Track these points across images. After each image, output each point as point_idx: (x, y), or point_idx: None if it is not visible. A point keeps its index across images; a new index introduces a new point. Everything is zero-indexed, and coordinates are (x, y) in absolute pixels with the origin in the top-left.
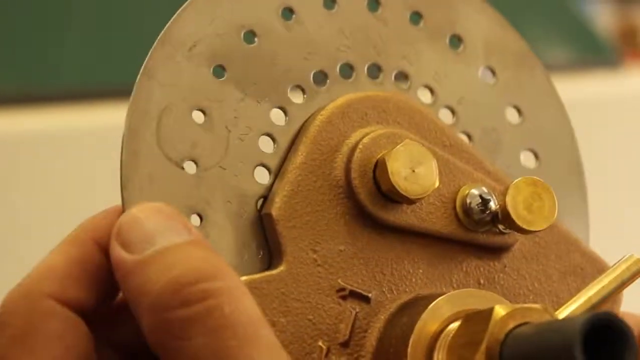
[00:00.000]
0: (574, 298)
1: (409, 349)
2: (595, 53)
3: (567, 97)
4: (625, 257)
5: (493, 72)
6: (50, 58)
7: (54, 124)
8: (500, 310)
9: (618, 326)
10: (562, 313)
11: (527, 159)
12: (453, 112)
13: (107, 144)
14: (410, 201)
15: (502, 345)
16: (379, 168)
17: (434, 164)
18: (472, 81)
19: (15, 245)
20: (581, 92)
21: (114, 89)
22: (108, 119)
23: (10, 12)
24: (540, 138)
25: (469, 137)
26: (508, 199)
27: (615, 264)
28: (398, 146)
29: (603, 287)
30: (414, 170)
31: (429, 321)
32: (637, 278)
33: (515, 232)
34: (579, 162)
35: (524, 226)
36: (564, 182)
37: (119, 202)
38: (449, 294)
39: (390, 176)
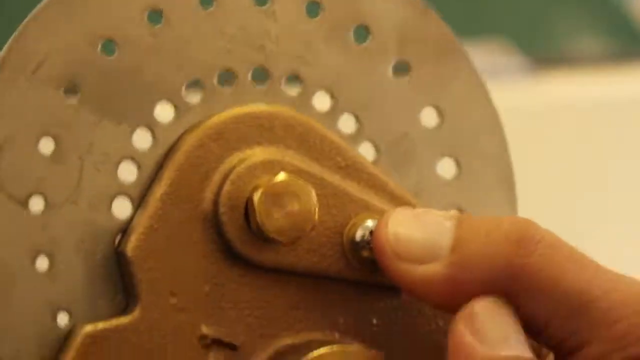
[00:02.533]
0: None
1: None
2: (632, 43)
3: (604, 92)
4: None
5: (408, 67)
6: None
7: None
8: None
9: None
10: None
11: (445, 168)
12: (357, 118)
13: None
14: (283, 244)
15: None
16: (249, 205)
17: (311, 199)
18: (380, 80)
19: None
20: (617, 86)
21: None
22: None
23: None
24: (462, 143)
25: (376, 147)
26: None
27: None
28: (270, 181)
29: None
30: (287, 208)
31: None
32: None
33: None
34: (509, 174)
35: None
36: (489, 195)
37: None
38: (328, 348)
39: (259, 218)
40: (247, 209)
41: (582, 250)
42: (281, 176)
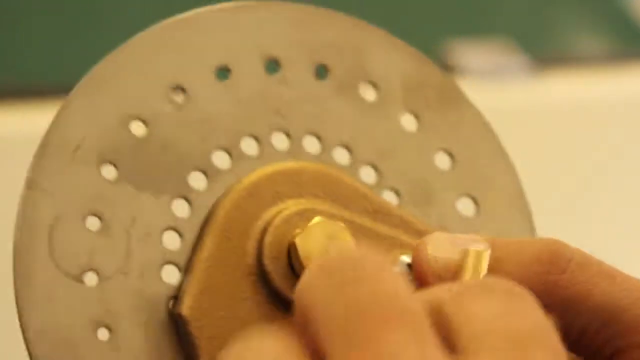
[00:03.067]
0: None
1: None
2: (635, 43)
3: (607, 92)
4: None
5: (416, 117)
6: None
7: None
8: None
9: None
10: None
11: (464, 206)
12: (375, 168)
13: None
14: None
15: None
16: (291, 251)
17: (348, 238)
18: (392, 131)
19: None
20: (621, 86)
21: None
22: None
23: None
24: (476, 181)
25: (397, 192)
26: None
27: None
28: (308, 225)
29: None
30: (328, 249)
31: None
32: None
33: None
34: (525, 204)
35: None
36: (510, 227)
37: None
38: None
39: (304, 261)
40: (290, 255)
41: (587, 248)
42: (317, 219)
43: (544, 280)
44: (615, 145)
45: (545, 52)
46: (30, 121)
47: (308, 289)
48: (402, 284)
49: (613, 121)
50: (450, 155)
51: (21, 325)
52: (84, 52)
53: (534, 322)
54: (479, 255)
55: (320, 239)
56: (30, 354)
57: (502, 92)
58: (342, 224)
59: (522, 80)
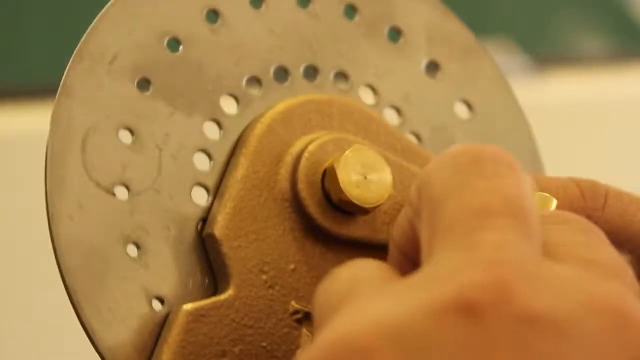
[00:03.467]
0: None
1: None
2: (635, 43)
3: (607, 91)
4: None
5: (438, 66)
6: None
7: None
8: None
9: None
10: None
11: None
12: (399, 111)
13: None
14: (364, 211)
15: None
16: (328, 177)
17: (387, 169)
18: (416, 77)
19: (17, 241)
20: (622, 85)
21: None
22: None
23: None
24: (494, 134)
25: (418, 137)
26: None
27: None
28: (347, 152)
29: None
30: (367, 177)
31: None
32: None
33: None
34: (538, 160)
35: None
36: None
37: None
38: None
39: (341, 185)
40: (326, 182)
41: None
42: (356, 146)
43: (589, 215)
44: (614, 145)
45: (545, 52)
46: (30, 121)
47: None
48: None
49: (612, 121)
50: (470, 106)
51: (51, 234)
52: None
53: (611, 254)
54: (546, 200)
55: (358, 167)
56: (59, 264)
57: None
58: (381, 158)
59: (522, 80)
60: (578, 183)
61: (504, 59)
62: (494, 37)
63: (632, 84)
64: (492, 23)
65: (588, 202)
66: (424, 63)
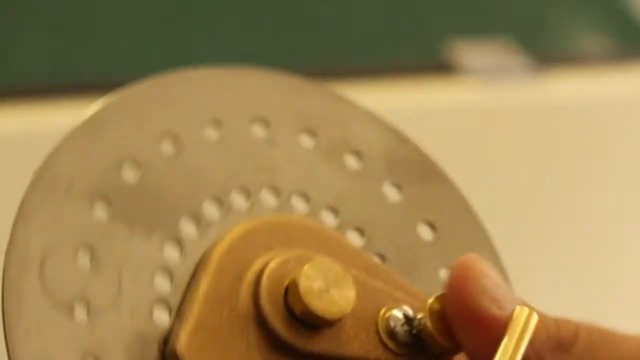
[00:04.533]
0: None
1: None
2: (637, 43)
3: (608, 91)
4: (514, 315)
5: (399, 188)
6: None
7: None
8: None
9: None
10: None
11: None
12: (362, 233)
13: None
14: (328, 323)
15: None
16: (290, 290)
17: (350, 281)
18: (377, 199)
19: None
20: (622, 85)
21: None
22: None
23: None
24: (458, 255)
25: (383, 258)
26: (426, 318)
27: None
28: (308, 264)
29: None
30: (329, 289)
31: None
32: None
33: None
34: (503, 274)
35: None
36: None
37: None
38: None
39: (303, 296)
40: (288, 295)
41: (580, 250)
42: (318, 260)
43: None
44: (616, 145)
45: (545, 51)
46: (29, 121)
47: None
48: None
49: (614, 121)
50: (432, 226)
51: (8, 353)
52: (84, 53)
53: None
54: (529, 317)
55: (320, 279)
56: None
57: (503, 91)
58: (342, 270)
59: (522, 80)
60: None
61: (505, 58)
62: (493, 36)
63: (632, 84)
64: (492, 22)
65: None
66: (384, 186)
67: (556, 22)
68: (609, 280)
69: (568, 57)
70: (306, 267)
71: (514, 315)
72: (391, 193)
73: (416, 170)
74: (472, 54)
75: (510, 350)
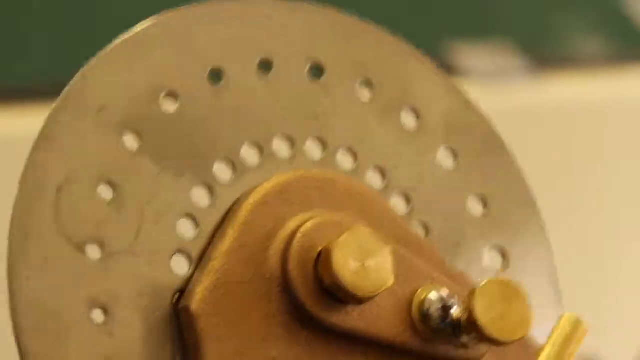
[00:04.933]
0: None
1: None
2: (634, 45)
3: (607, 93)
4: (560, 321)
5: (454, 155)
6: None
7: None
8: None
9: None
10: None
11: (492, 258)
12: (408, 199)
13: None
14: (358, 300)
15: None
16: (322, 259)
17: (388, 257)
18: (430, 164)
19: None
20: (621, 87)
21: None
22: None
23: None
24: (508, 235)
25: (427, 228)
26: (475, 303)
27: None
28: (346, 234)
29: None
30: (364, 263)
31: None
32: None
33: (482, 345)
34: (553, 269)
35: (494, 336)
36: (538, 293)
37: None
38: None
39: (335, 269)
40: (319, 264)
41: (578, 251)
42: (357, 229)
43: None
44: (615, 146)
45: (545, 53)
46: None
47: None
48: None
49: (613, 122)
50: (484, 201)
51: (9, 290)
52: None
53: None
54: (576, 323)
55: (356, 251)
56: (14, 324)
57: (503, 93)
58: (384, 246)
59: (522, 82)
60: None
61: (505, 60)
62: (493, 38)
63: (631, 86)
64: (492, 24)
65: None
66: (439, 151)
67: (556, 24)
68: (606, 281)
69: (567, 60)
70: (343, 237)
71: (560, 323)
72: (446, 160)
73: (477, 138)
74: (472, 56)
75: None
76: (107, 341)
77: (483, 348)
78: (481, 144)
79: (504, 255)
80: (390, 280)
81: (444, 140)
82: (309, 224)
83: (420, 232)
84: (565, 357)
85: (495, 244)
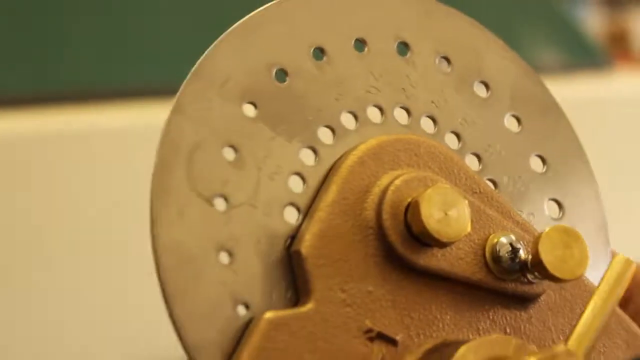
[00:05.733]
0: (580, 323)
1: None
2: (584, 56)
3: (557, 99)
4: (612, 262)
5: (518, 121)
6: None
7: (70, 124)
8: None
9: None
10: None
11: (551, 209)
12: (479, 159)
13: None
14: (441, 244)
15: None
16: (411, 210)
17: (466, 209)
18: (498, 129)
19: (31, 243)
20: (570, 94)
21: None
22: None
23: (26, 14)
24: (564, 189)
25: (495, 184)
26: (540, 246)
27: (606, 272)
28: (431, 189)
29: (603, 303)
30: (447, 213)
31: None
32: (630, 278)
33: (544, 282)
34: (603, 219)
35: (557, 274)
36: (587, 236)
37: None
38: (474, 340)
39: (423, 218)
40: (409, 214)
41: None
42: (440, 186)
43: None
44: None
45: None
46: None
47: None
48: None
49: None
50: (544, 160)
51: (152, 235)
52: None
53: None
54: (627, 263)
55: (440, 203)
56: (156, 263)
57: None
58: (462, 198)
59: None
60: None
61: None
62: None
63: (580, 94)
64: None
65: None
66: (506, 117)
67: (514, 36)
68: None
69: None
70: (429, 190)
71: (612, 264)
72: (511, 124)
73: (538, 105)
74: None
75: (604, 296)
76: (232, 278)
77: (545, 284)
78: (541, 110)
79: (560, 207)
80: (469, 227)
81: (510, 108)
82: (398, 181)
83: (490, 186)
84: (616, 293)
85: (553, 196)
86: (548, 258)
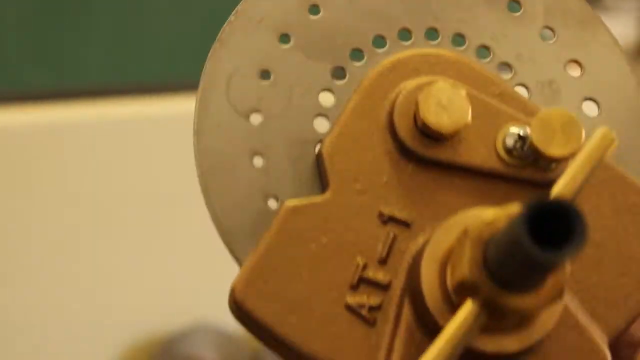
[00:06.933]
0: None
1: (423, 262)
2: None
3: None
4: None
5: (553, 31)
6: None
7: (84, 118)
8: (486, 213)
9: (564, 206)
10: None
11: (588, 108)
12: (510, 67)
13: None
14: (442, 135)
15: (485, 249)
16: (416, 107)
17: (464, 101)
18: (530, 39)
19: (40, 234)
20: None
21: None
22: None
23: (43, 12)
24: (602, 89)
25: (526, 88)
26: (533, 126)
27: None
28: (432, 85)
29: (583, 164)
30: (445, 106)
31: (442, 236)
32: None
33: (559, 168)
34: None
35: (545, 151)
36: (627, 132)
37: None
38: (466, 211)
39: (421, 111)
40: (416, 112)
41: None
42: (439, 83)
43: None
44: None
45: None
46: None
47: None
48: None
49: None
50: (580, 64)
51: (195, 144)
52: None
53: None
54: (606, 134)
55: (438, 98)
56: (197, 166)
57: None
58: (462, 92)
59: None
60: None
61: None
62: None
63: None
64: None
65: None
66: (539, 30)
67: None
68: None
69: None
70: (428, 88)
71: (594, 135)
72: (545, 35)
73: (574, 17)
74: None
75: (576, 168)
76: (264, 178)
77: (559, 171)
78: (577, 23)
79: (598, 105)
80: (467, 118)
81: (543, 21)
82: (408, 84)
83: (521, 91)
84: (592, 160)
85: (590, 96)
86: (537, 136)
